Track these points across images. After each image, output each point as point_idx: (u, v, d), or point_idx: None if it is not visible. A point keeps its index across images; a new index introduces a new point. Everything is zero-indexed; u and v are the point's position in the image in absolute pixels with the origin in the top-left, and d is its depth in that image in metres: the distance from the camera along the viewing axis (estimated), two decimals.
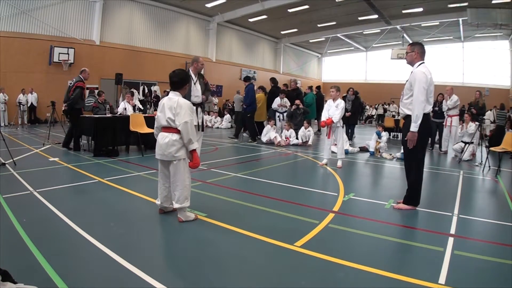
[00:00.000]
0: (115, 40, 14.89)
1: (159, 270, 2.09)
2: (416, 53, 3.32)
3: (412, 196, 3.42)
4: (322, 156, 6.25)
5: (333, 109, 5.69)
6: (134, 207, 3.43)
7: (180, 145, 2.88)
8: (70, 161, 5.57)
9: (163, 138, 2.90)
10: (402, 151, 6.87)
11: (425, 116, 3.24)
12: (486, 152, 6.18)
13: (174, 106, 2.83)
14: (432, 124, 8.63)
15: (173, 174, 2.92)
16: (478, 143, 7.10)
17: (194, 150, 2.94)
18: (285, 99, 9.21)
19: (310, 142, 8.51)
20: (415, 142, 3.24)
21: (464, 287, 2.00)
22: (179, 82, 2.96)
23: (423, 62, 3.32)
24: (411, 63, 3.38)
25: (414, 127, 3.20)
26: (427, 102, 3.23)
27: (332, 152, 6.07)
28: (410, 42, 22.96)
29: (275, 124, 9.01)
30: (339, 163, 5.77)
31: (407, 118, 3.33)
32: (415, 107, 3.18)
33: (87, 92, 6.74)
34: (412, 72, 3.33)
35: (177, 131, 2.85)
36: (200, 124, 4.74)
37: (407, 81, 3.40)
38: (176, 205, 2.93)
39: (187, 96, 4.11)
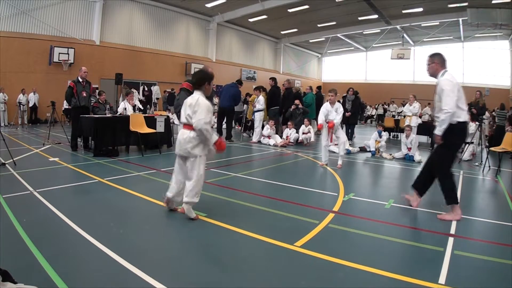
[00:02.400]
0: (115, 40, 14.88)
1: (159, 270, 2.09)
2: (436, 64, 3.26)
3: (450, 196, 3.25)
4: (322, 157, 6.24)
5: (333, 115, 5.60)
6: (134, 207, 3.42)
7: (197, 142, 2.97)
8: (70, 161, 5.57)
9: (182, 134, 3.03)
10: (404, 151, 6.90)
11: (463, 124, 3.14)
12: (486, 152, 6.18)
13: (193, 104, 2.97)
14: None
15: (190, 169, 3.01)
16: (478, 143, 7.11)
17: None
18: (260, 97, 9.11)
19: (312, 139, 8.61)
20: (441, 144, 3.13)
21: (464, 287, 2.00)
22: (196, 82, 3.13)
23: (446, 70, 3.22)
24: (434, 74, 3.28)
25: (439, 130, 3.09)
26: (458, 108, 3.07)
27: (332, 152, 6.07)
28: (410, 42, 23.17)
29: (275, 125, 8.99)
30: (340, 162, 5.75)
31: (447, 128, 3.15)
32: (443, 113, 3.06)
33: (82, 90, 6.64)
34: (437, 84, 3.20)
35: (189, 127, 2.99)
36: None
37: (435, 94, 3.26)
38: (185, 199, 2.98)
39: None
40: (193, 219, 2.99)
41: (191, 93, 4.07)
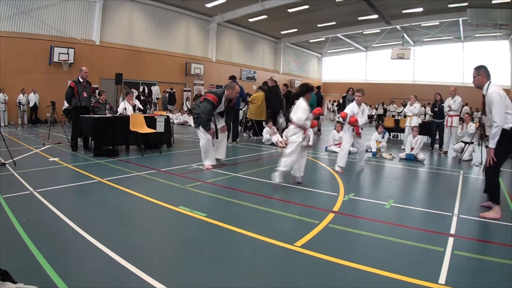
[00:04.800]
0: (115, 40, 14.88)
1: (159, 270, 2.09)
2: (482, 75, 3.47)
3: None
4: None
5: (359, 115, 5.44)
6: (134, 207, 3.43)
7: (292, 133, 4.33)
8: (70, 161, 5.57)
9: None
10: (407, 151, 6.90)
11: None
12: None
13: (294, 107, 4.45)
14: (432, 124, 8.68)
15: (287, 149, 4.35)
16: (478, 143, 7.10)
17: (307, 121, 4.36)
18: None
19: (310, 143, 8.49)
20: (495, 157, 3.27)
21: (464, 287, 2.00)
22: (301, 92, 4.53)
23: (490, 82, 3.43)
24: (480, 86, 3.50)
25: (492, 144, 3.26)
26: (507, 114, 3.25)
27: (333, 152, 6.03)
28: (410, 42, 23.16)
29: (274, 125, 8.97)
30: (362, 163, 5.72)
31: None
32: (494, 127, 3.23)
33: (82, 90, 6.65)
34: (485, 96, 3.39)
35: (293, 123, 4.33)
36: (214, 130, 5.39)
37: (483, 105, 3.49)
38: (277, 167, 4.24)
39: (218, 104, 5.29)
40: (275, 183, 4.13)
41: (214, 105, 5.18)
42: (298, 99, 9.76)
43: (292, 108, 9.03)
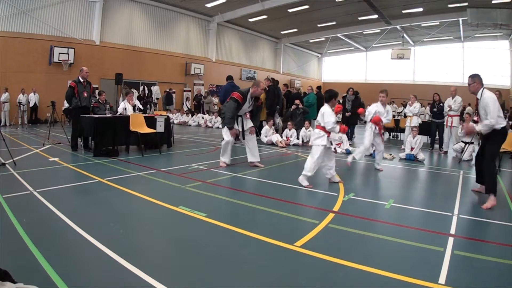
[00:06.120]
0: (115, 40, 14.89)
1: (159, 270, 2.09)
2: (477, 83, 3.94)
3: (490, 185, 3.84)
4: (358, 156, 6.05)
5: (383, 115, 5.45)
6: (134, 207, 3.43)
7: (316, 136, 4.43)
8: (70, 161, 5.58)
9: (314, 131, 4.56)
10: (407, 151, 6.91)
11: (504, 129, 3.80)
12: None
13: (321, 112, 4.45)
14: (432, 124, 8.68)
15: (311, 153, 4.48)
16: (478, 143, 7.09)
17: (337, 125, 4.41)
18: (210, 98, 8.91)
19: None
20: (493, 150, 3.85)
21: (464, 287, 2.00)
22: (326, 98, 4.59)
23: (484, 88, 3.92)
24: (475, 92, 3.98)
25: (481, 126, 3.80)
26: (499, 117, 3.76)
27: (334, 151, 5.97)
28: (410, 42, 23.17)
29: (273, 124, 8.98)
30: (379, 167, 5.69)
31: (493, 132, 3.85)
32: (488, 121, 3.74)
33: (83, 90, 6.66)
34: (480, 99, 3.87)
35: (319, 127, 4.45)
36: (240, 131, 5.44)
37: (476, 106, 4.01)
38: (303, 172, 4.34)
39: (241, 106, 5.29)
40: (304, 185, 4.23)
41: (240, 103, 5.20)
42: (297, 98, 9.81)
43: (291, 109, 9.19)
